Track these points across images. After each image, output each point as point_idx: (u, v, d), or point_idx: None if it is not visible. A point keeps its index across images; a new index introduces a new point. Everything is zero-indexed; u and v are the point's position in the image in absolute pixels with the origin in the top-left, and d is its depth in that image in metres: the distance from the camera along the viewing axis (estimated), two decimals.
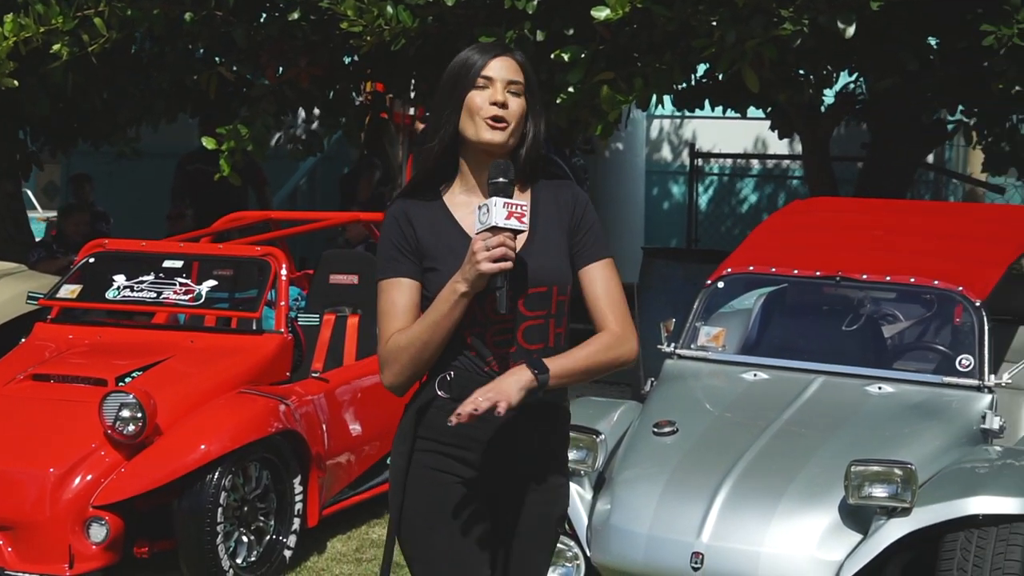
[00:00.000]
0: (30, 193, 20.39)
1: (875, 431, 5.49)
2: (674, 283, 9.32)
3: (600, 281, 3.31)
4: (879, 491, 4.95)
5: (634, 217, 13.23)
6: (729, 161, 14.09)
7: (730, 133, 13.49)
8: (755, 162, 14.26)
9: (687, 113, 10.29)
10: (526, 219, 3.13)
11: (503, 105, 3.23)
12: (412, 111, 14.49)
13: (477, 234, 3.12)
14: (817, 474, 5.21)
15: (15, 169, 11.09)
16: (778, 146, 12.99)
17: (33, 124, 11.03)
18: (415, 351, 3.18)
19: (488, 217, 3.10)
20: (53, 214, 14.99)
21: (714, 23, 7.28)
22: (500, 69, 3.26)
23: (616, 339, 3.26)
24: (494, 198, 3.12)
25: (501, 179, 3.15)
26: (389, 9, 7.74)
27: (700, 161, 13.40)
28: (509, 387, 3.10)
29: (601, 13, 7.07)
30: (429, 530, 3.25)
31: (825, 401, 5.74)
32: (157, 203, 13.19)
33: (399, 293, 3.24)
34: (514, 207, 3.11)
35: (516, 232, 3.13)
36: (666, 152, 14.55)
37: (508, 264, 3.10)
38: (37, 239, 12.04)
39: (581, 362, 3.23)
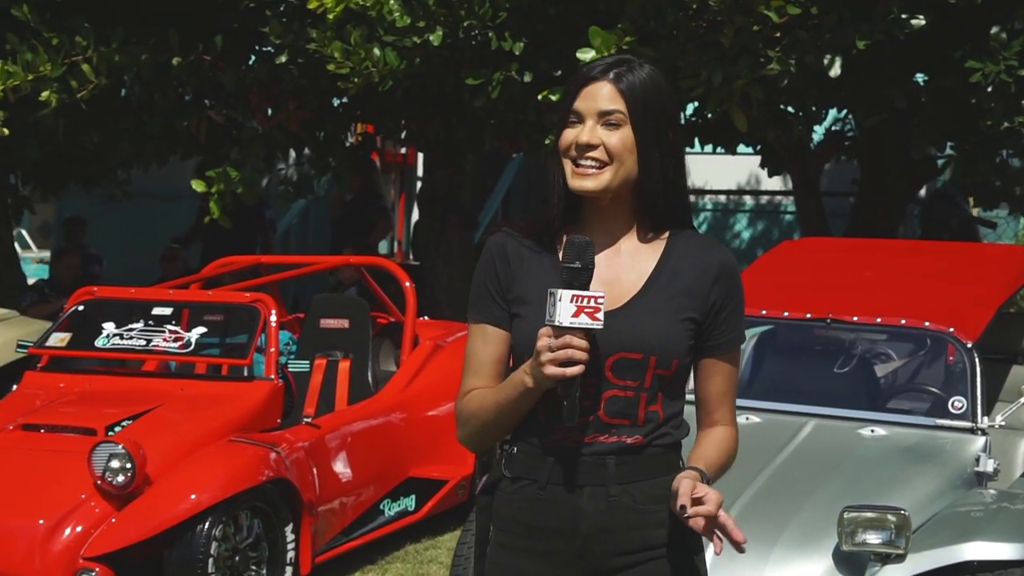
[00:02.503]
0: (25, 233, 20.43)
1: (868, 475, 5.46)
2: None
3: (726, 377, 2.85)
4: (872, 537, 4.92)
5: None
6: (723, 197, 14.11)
7: (724, 169, 13.52)
8: (748, 198, 14.28)
9: None
10: (601, 314, 2.64)
11: (588, 146, 2.74)
12: (403, 150, 14.54)
13: (543, 327, 2.67)
14: (810, 520, 5.18)
15: (5, 214, 11.08)
16: (772, 181, 13.02)
17: (24, 168, 11.02)
18: (480, 424, 2.82)
19: (554, 312, 2.64)
20: (47, 254, 15.01)
21: (701, 64, 7.30)
22: (591, 100, 2.75)
23: (737, 444, 2.89)
24: (562, 290, 2.65)
25: (576, 264, 2.67)
26: (376, 51, 7.77)
27: (692, 197, 13.41)
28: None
29: (587, 55, 7.09)
30: None
31: (818, 445, 5.72)
32: (150, 244, 13.18)
33: (482, 342, 2.85)
34: (586, 300, 2.63)
35: (589, 331, 2.67)
36: None
37: (575, 370, 2.64)
38: (31, 280, 12.04)
39: (721, 472, 2.84)
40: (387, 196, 13.67)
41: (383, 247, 14.85)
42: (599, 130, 2.76)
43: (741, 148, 9.85)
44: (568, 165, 2.78)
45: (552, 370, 2.64)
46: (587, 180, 2.76)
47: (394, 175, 14.63)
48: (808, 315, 6.16)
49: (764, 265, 6.89)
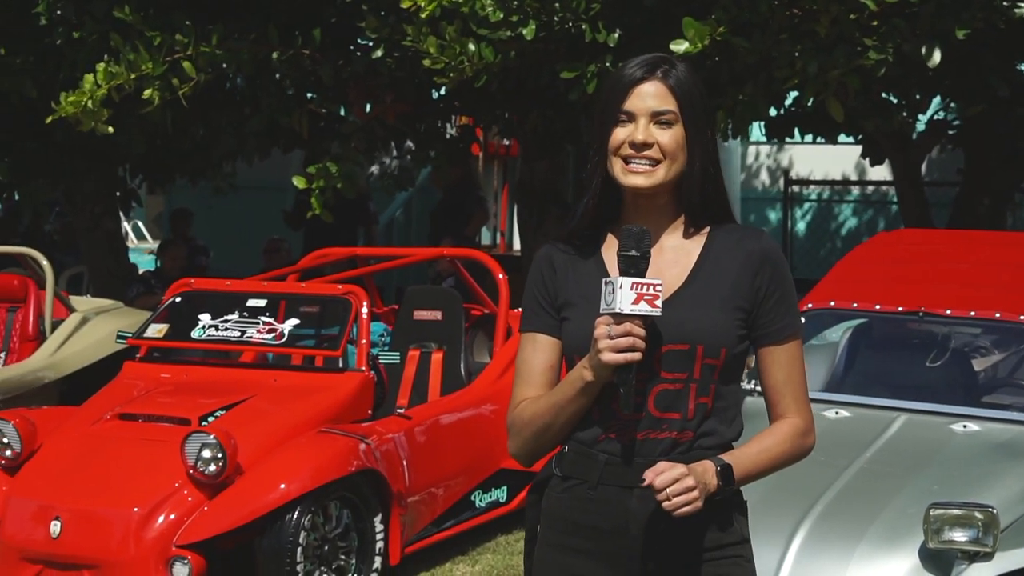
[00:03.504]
0: (141, 225, 20.87)
1: (958, 471, 5.37)
2: None
3: (784, 366, 2.84)
4: (959, 535, 4.83)
5: None
6: (827, 187, 13.95)
7: (829, 159, 13.36)
8: (854, 188, 14.09)
9: (775, 140, 10.19)
10: (660, 301, 2.67)
11: (644, 145, 2.77)
12: (507, 141, 14.56)
13: (600, 316, 2.69)
14: (897, 517, 5.10)
15: (115, 207, 11.31)
16: (877, 171, 12.83)
17: (131, 162, 11.25)
18: (537, 430, 2.82)
19: (613, 299, 2.66)
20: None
21: (796, 54, 7.21)
22: (642, 99, 2.77)
23: (801, 434, 2.85)
24: (621, 278, 2.67)
25: (633, 252, 2.69)
26: (471, 46, 7.78)
27: (797, 187, 13.26)
28: (696, 475, 2.68)
29: (680, 47, 7.04)
30: None
31: (908, 440, 5.63)
32: (258, 235, 13.38)
33: (533, 351, 2.87)
34: (645, 287, 2.66)
35: (647, 318, 2.69)
36: (763, 178, 14.44)
37: (635, 356, 2.66)
38: (143, 271, 12.30)
39: (766, 464, 2.80)
40: (490, 187, 13.70)
41: (486, 237, 14.91)
42: (652, 129, 2.79)
43: (843, 138, 9.71)
44: (618, 163, 2.80)
45: (611, 356, 2.65)
46: (639, 177, 2.79)
47: (497, 166, 14.66)
48: (900, 308, 6.07)
49: (857, 258, 6.79)
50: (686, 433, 2.78)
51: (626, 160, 2.79)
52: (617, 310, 2.66)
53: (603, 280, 2.71)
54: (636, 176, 2.78)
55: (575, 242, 2.90)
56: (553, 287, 2.87)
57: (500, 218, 14.94)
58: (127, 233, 18.66)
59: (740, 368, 2.87)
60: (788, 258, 12.90)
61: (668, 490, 2.65)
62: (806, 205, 13.97)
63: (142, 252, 16.80)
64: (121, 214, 12.33)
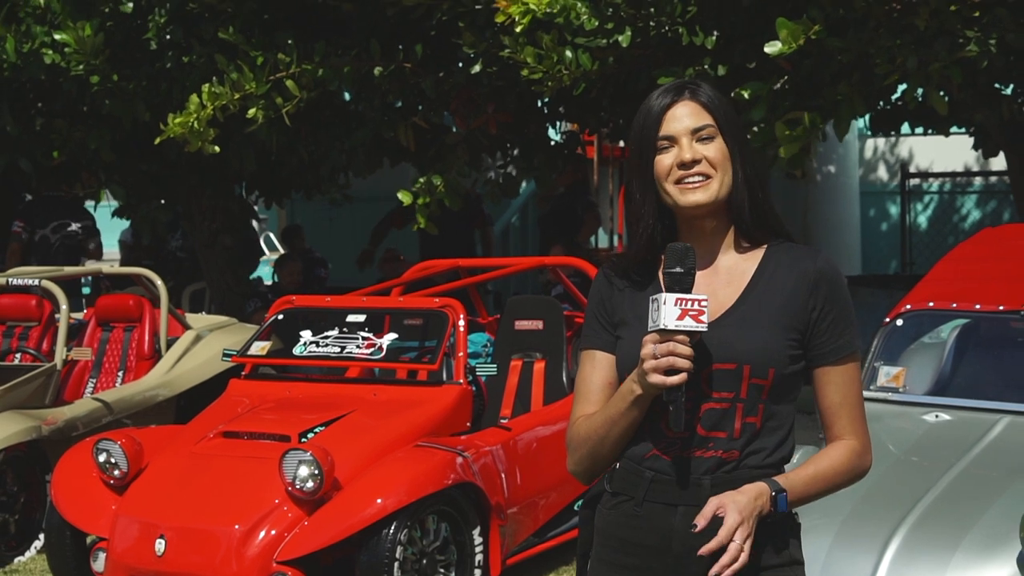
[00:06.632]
0: (272, 236, 21.24)
1: None
2: (879, 312, 9.06)
3: (840, 387, 2.83)
4: None
5: (849, 240, 12.93)
6: (948, 179, 13.64)
7: (948, 150, 13.06)
8: (976, 178, 13.75)
9: (893, 133, 10.00)
10: (705, 316, 2.67)
11: (692, 162, 2.77)
12: (622, 143, 14.51)
13: (647, 335, 2.71)
14: (995, 524, 4.97)
15: (231, 223, 11.51)
16: (999, 160, 12.51)
17: (246, 179, 11.45)
18: (593, 444, 2.84)
19: (659, 316, 2.67)
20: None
21: (894, 49, 7.07)
22: (679, 120, 2.79)
23: (858, 456, 2.82)
24: (665, 294, 2.68)
25: (677, 268, 2.71)
26: (568, 53, 7.76)
27: (916, 180, 12.99)
28: (747, 508, 2.69)
29: (774, 48, 6.95)
30: None
31: (1010, 444, 5.49)
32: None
33: (591, 368, 2.89)
34: (690, 303, 2.66)
35: (693, 334, 2.70)
36: (881, 172, 14.17)
37: (679, 379, 2.67)
38: (267, 283, 12.52)
39: (820, 488, 2.80)
40: (605, 190, 13.64)
41: (603, 240, 14.87)
42: (696, 146, 2.79)
43: (956, 129, 9.49)
44: (672, 187, 2.80)
45: (655, 378, 2.68)
46: (696, 193, 2.78)
47: (611, 169, 14.60)
48: (1001, 307, 5.92)
49: (959, 256, 6.64)
50: (732, 452, 2.78)
51: (679, 182, 2.79)
52: (662, 326, 2.67)
53: (649, 298, 2.72)
54: (693, 193, 2.78)
55: (635, 265, 2.90)
56: (611, 305, 2.90)
57: (617, 221, 14.89)
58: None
59: (794, 388, 2.84)
60: (907, 253, 12.66)
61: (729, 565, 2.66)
62: (926, 198, 13.67)
63: (267, 264, 17.11)
64: (254, 226, 12.57)
